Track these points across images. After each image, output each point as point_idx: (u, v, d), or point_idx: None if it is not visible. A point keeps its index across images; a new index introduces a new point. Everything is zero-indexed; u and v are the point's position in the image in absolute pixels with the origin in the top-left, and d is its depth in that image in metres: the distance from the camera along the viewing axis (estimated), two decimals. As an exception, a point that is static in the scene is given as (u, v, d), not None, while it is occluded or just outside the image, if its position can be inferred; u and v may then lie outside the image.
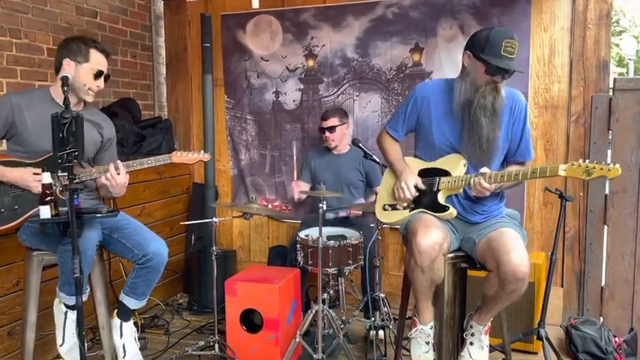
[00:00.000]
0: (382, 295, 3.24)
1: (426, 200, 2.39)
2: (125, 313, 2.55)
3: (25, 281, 2.44)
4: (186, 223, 3.66)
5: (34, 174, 2.33)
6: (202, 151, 2.63)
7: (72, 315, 2.43)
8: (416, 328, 2.38)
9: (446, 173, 2.35)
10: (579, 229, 3.49)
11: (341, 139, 3.67)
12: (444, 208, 2.33)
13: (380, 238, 3.29)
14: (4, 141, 2.50)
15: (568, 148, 3.49)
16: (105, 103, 3.88)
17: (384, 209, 2.52)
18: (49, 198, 2.14)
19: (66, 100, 2.01)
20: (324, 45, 3.99)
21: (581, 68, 3.42)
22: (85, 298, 2.31)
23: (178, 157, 2.53)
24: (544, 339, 2.80)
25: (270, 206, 4.21)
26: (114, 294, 3.26)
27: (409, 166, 2.45)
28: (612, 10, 3.40)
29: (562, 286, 3.54)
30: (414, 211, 2.41)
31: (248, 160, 4.32)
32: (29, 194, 2.34)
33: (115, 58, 4.01)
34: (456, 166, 2.33)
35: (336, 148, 3.69)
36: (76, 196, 1.98)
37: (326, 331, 3.23)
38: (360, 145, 3.30)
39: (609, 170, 2.00)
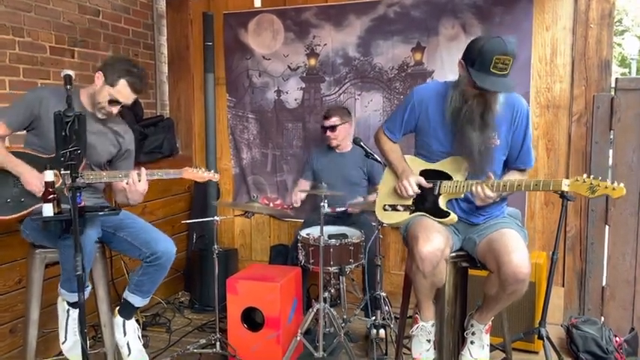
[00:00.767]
0: (383, 293, 3.24)
1: (426, 204, 2.37)
2: (128, 311, 2.56)
3: (28, 279, 2.45)
4: (188, 221, 3.66)
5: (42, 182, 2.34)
6: (212, 171, 2.64)
7: (74, 312, 2.44)
8: (417, 325, 2.38)
9: (447, 176, 2.34)
10: (580, 229, 3.49)
11: (343, 137, 3.68)
12: (445, 214, 2.32)
13: (381, 236, 3.30)
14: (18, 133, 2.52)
15: (569, 147, 3.49)
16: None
17: (384, 209, 2.51)
18: (51, 196, 2.15)
19: (68, 99, 2.02)
20: (325, 44, 3.99)
21: (583, 68, 3.42)
22: (86, 295, 2.33)
23: (188, 173, 2.56)
24: (545, 338, 2.79)
25: (271, 205, 4.20)
26: (116, 292, 3.28)
27: (409, 166, 2.45)
28: (614, 9, 3.40)
29: (563, 286, 3.54)
30: (415, 214, 2.40)
31: (250, 159, 4.32)
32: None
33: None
34: (458, 169, 2.31)
35: (338, 146, 3.70)
36: (78, 195, 1.99)
37: (327, 329, 3.23)
38: (362, 144, 3.30)
39: (614, 190, 1.99)
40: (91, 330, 3.23)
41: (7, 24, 3.12)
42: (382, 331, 3.18)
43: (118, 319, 2.55)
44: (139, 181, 2.42)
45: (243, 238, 4.46)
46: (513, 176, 2.33)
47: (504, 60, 2.05)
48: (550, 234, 3.56)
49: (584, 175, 2.06)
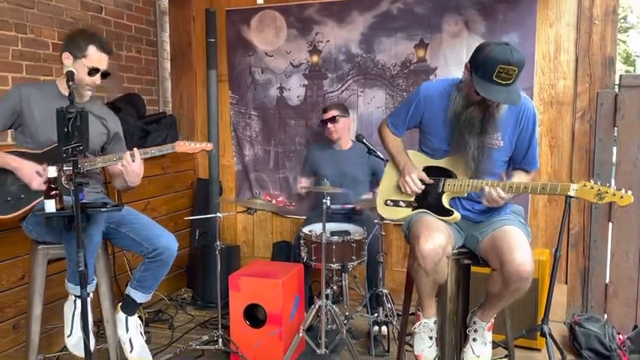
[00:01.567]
0: (385, 290, 3.24)
1: (429, 201, 2.36)
2: (131, 307, 2.56)
3: (31, 275, 2.45)
4: (191, 218, 3.67)
5: (36, 172, 2.34)
6: (205, 141, 2.63)
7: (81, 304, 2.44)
8: (419, 322, 2.38)
9: (450, 174, 2.33)
10: (584, 226, 3.48)
11: (343, 131, 3.67)
12: (449, 212, 2.32)
13: (384, 233, 3.29)
14: (9, 131, 2.52)
15: (573, 144, 3.48)
16: (109, 98, 3.89)
17: (386, 204, 2.50)
18: (53, 192, 2.15)
19: (71, 95, 2.02)
20: (328, 40, 3.98)
21: (587, 64, 3.40)
22: (92, 288, 2.33)
23: (181, 146, 2.54)
24: (547, 336, 2.78)
25: (274, 202, 4.22)
26: (118, 288, 3.29)
27: (412, 161, 2.44)
28: (619, 6, 3.38)
29: (566, 283, 3.53)
30: (417, 211, 2.39)
31: (252, 156, 4.32)
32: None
33: (120, 54, 4.02)
34: (462, 167, 2.30)
35: (338, 141, 3.69)
36: (81, 191, 1.98)
37: (329, 326, 3.23)
38: (364, 140, 3.29)
39: (622, 197, 1.99)
40: (93, 326, 3.23)
41: (10, 20, 3.12)
42: (384, 328, 3.19)
43: (121, 315, 2.56)
44: (133, 161, 2.41)
45: (246, 235, 4.46)
46: (519, 177, 2.32)
47: (508, 70, 2.00)
48: (553, 231, 3.55)
49: (592, 181, 2.05)
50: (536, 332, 2.92)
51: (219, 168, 4.13)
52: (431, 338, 2.36)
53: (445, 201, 2.33)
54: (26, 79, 3.21)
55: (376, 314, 3.18)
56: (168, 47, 4.53)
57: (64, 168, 2.32)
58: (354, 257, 3.17)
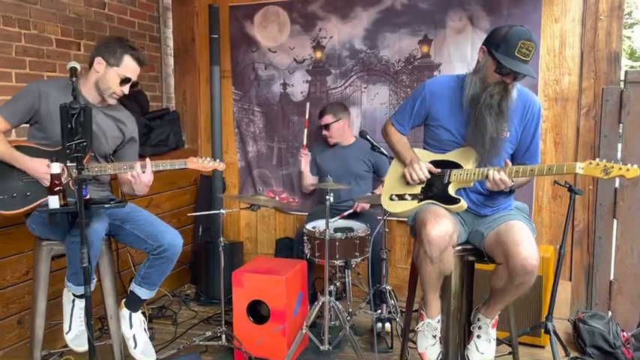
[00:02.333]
0: (389, 287, 3.24)
1: (435, 192, 2.36)
2: (135, 304, 2.57)
3: (35, 271, 2.46)
4: (194, 214, 3.67)
5: (48, 166, 2.34)
6: (218, 160, 2.62)
7: (79, 303, 2.45)
8: (423, 322, 2.37)
9: (457, 166, 2.33)
10: (588, 223, 3.46)
11: (340, 134, 3.67)
12: (455, 201, 2.31)
13: (387, 230, 3.29)
14: (22, 126, 2.52)
15: (578, 141, 3.46)
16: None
17: (391, 199, 2.49)
18: (57, 188, 2.15)
19: (74, 91, 2.01)
20: (332, 36, 3.97)
21: (592, 60, 3.38)
22: (92, 287, 2.33)
23: (194, 163, 2.53)
24: (552, 333, 2.79)
25: (277, 198, 4.22)
26: (122, 284, 3.29)
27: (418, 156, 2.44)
28: (624, 1, 3.35)
29: (570, 280, 3.52)
30: (423, 202, 2.39)
31: (255, 152, 4.32)
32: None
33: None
34: (467, 159, 2.31)
35: (336, 144, 3.69)
36: (84, 187, 1.99)
37: (332, 322, 3.24)
38: (368, 137, 3.29)
39: (628, 170, 1.99)
40: (97, 322, 3.25)
41: (14, 16, 3.12)
42: (388, 325, 3.18)
43: (125, 312, 2.56)
44: (144, 172, 2.41)
45: (249, 231, 4.46)
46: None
47: (529, 46, 2.12)
48: (557, 228, 3.54)
49: (597, 159, 2.06)
50: (541, 329, 2.92)
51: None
52: (434, 337, 2.36)
53: (451, 191, 2.33)
54: (29, 75, 3.21)
55: (379, 311, 3.18)
56: (171, 43, 4.53)
57: (68, 164, 2.33)
58: (357, 254, 3.17)
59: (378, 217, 3.38)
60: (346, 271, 3.35)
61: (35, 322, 2.45)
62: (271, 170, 4.28)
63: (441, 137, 2.39)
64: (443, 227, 2.14)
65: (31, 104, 2.39)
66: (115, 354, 2.56)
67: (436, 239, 2.13)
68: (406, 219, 2.51)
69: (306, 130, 3.76)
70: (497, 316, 2.36)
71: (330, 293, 3.00)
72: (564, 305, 3.40)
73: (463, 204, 2.30)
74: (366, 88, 3.92)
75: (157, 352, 2.77)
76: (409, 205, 2.43)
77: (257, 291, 2.99)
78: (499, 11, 3.51)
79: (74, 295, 2.44)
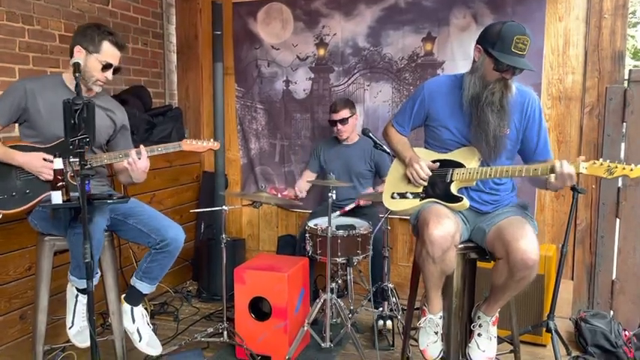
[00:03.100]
0: (390, 285, 3.24)
1: (437, 190, 2.36)
2: (135, 298, 2.57)
3: (37, 266, 2.46)
4: (196, 210, 3.67)
5: (44, 159, 2.34)
6: (212, 140, 2.62)
7: (82, 298, 2.45)
8: (425, 318, 2.37)
9: (459, 165, 2.33)
10: (591, 222, 3.46)
11: (352, 130, 3.67)
12: (457, 199, 2.31)
13: (389, 228, 3.29)
14: (16, 126, 2.52)
15: (581, 139, 3.46)
16: (116, 90, 3.89)
17: (393, 197, 2.49)
18: (60, 183, 2.15)
19: (77, 87, 2.01)
20: (335, 34, 3.96)
21: (596, 59, 3.37)
22: (95, 281, 2.34)
23: (188, 145, 2.53)
24: (553, 331, 2.78)
25: (279, 195, 4.20)
26: (124, 280, 3.30)
27: (420, 156, 2.43)
28: (628, 0, 3.34)
29: (572, 279, 3.51)
30: (425, 201, 2.38)
31: (258, 150, 4.32)
32: (41, 178, 2.36)
33: (126, 46, 4.01)
34: (470, 158, 2.30)
35: (347, 139, 3.69)
36: (87, 182, 1.99)
37: (334, 320, 3.24)
38: (371, 134, 3.28)
39: (632, 170, 1.99)
40: (99, 318, 3.25)
41: (17, 12, 3.12)
42: (389, 323, 3.18)
43: (126, 307, 2.56)
44: (139, 159, 2.41)
45: (251, 229, 4.47)
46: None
47: (524, 40, 2.12)
48: (560, 227, 3.53)
49: (601, 159, 2.05)
50: (542, 328, 2.92)
51: (224, 161, 4.13)
52: (436, 333, 2.36)
53: (454, 189, 2.33)
54: (33, 71, 3.22)
55: (381, 308, 3.18)
56: (174, 40, 4.53)
57: (71, 160, 2.33)
58: (359, 251, 3.17)
59: (380, 215, 3.37)
60: (348, 268, 3.35)
61: (37, 317, 2.46)
62: (273, 167, 4.28)
63: (442, 137, 2.39)
64: (445, 227, 2.14)
65: (17, 103, 2.37)
66: (117, 350, 2.57)
67: (438, 240, 2.12)
68: (408, 217, 2.51)
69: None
70: (497, 314, 2.36)
71: (331, 291, 3.00)
72: (566, 304, 3.40)
73: (465, 202, 2.30)
74: (369, 85, 3.92)
75: (162, 347, 2.77)
76: (411, 204, 2.43)
77: (259, 288, 2.99)
78: (503, 9, 3.50)
79: (77, 289, 2.44)
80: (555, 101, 3.51)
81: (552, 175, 2.13)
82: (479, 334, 2.36)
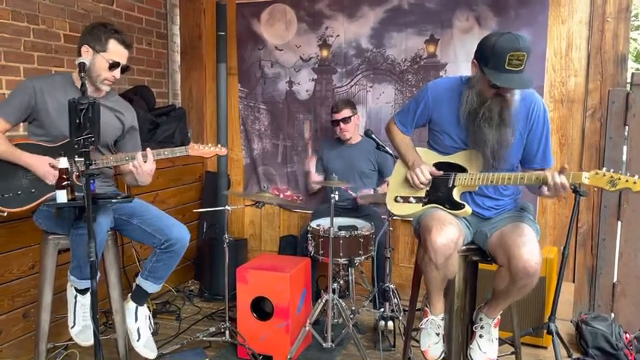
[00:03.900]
0: (392, 286, 3.25)
1: (440, 196, 2.35)
2: (141, 297, 2.58)
3: (41, 264, 2.48)
4: (199, 210, 3.68)
5: (50, 165, 2.35)
6: (219, 145, 2.61)
7: (81, 299, 2.46)
8: (427, 319, 2.38)
9: (461, 169, 2.32)
10: (592, 225, 3.46)
11: (354, 129, 3.68)
12: (459, 206, 2.31)
13: (391, 229, 3.29)
14: (23, 124, 2.53)
15: (583, 142, 3.46)
16: (120, 90, 3.91)
17: (396, 201, 2.49)
18: (65, 183, 2.17)
19: (83, 86, 2.03)
20: (338, 35, 3.97)
21: (599, 62, 3.38)
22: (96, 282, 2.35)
23: (195, 149, 2.53)
24: (554, 333, 2.78)
25: (281, 196, 4.23)
26: (127, 279, 3.31)
27: (422, 158, 2.43)
28: (632, 3, 3.35)
29: (573, 282, 3.52)
30: (427, 206, 2.38)
31: (260, 150, 4.33)
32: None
33: (133, 45, 4.03)
34: (472, 162, 2.29)
35: (350, 139, 3.70)
36: (92, 182, 2.00)
37: (335, 320, 3.25)
38: (373, 136, 3.29)
39: (635, 183, 1.96)
40: (102, 316, 3.27)
41: (22, 11, 3.14)
42: (390, 323, 3.19)
43: (131, 305, 2.58)
44: (145, 162, 2.42)
45: (253, 229, 4.48)
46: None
47: (518, 56, 2.01)
48: (561, 229, 3.54)
49: (604, 169, 2.03)
50: (543, 330, 2.92)
51: (227, 161, 4.15)
52: (438, 334, 2.36)
53: (456, 195, 2.32)
54: (38, 70, 3.23)
55: (382, 309, 3.19)
56: (178, 40, 4.54)
57: (76, 159, 2.34)
58: (361, 252, 3.18)
59: (383, 217, 3.38)
60: (350, 269, 3.35)
61: (41, 315, 2.47)
62: (276, 168, 4.29)
63: (444, 142, 2.37)
64: (448, 234, 2.13)
65: (27, 101, 2.38)
66: (120, 348, 2.58)
67: (441, 247, 2.12)
68: (411, 219, 2.51)
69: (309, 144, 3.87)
70: (499, 316, 2.36)
71: (333, 291, 3.01)
72: (567, 306, 3.40)
73: (468, 209, 2.29)
74: (371, 87, 3.93)
75: (160, 347, 2.79)
76: (413, 209, 2.42)
77: (261, 287, 3.00)
78: (506, 12, 3.51)
79: (76, 289, 2.45)
80: (558, 104, 3.52)
81: (545, 187, 2.11)
82: (480, 336, 2.36)
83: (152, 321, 2.67)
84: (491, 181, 2.21)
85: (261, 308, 3.07)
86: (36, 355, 2.49)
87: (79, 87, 2.41)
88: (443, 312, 2.37)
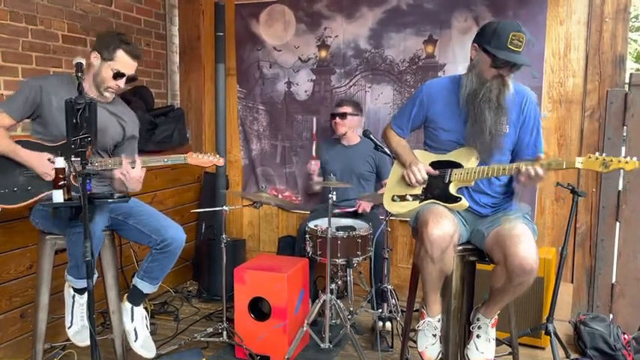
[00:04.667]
0: (390, 286, 3.24)
1: (436, 191, 2.37)
2: (137, 298, 2.58)
3: (38, 264, 2.48)
4: (197, 210, 3.68)
5: (48, 160, 2.35)
6: (217, 155, 2.63)
7: (79, 299, 2.46)
8: (423, 321, 2.38)
9: (457, 166, 2.34)
10: (591, 225, 3.46)
11: (350, 128, 3.67)
12: (456, 199, 2.32)
13: (389, 230, 3.29)
14: (25, 121, 2.54)
15: (582, 143, 3.46)
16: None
17: (393, 200, 2.50)
18: (62, 182, 2.16)
19: (80, 86, 2.03)
20: (337, 36, 3.97)
21: (597, 62, 3.38)
22: (93, 282, 2.35)
23: (194, 158, 2.55)
24: (552, 334, 2.79)
25: (280, 196, 4.23)
26: (125, 280, 3.31)
27: (419, 159, 2.44)
28: (630, 4, 3.35)
29: (572, 282, 3.52)
30: (424, 202, 2.39)
31: (259, 150, 4.33)
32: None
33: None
34: (468, 158, 2.32)
35: (344, 136, 3.69)
36: (88, 181, 2.00)
37: (333, 321, 3.25)
38: (371, 136, 3.29)
39: (627, 163, 1.99)
40: (99, 317, 3.27)
41: (20, 12, 3.14)
42: (388, 324, 3.19)
43: (127, 305, 2.58)
44: (133, 168, 2.41)
45: (252, 229, 4.48)
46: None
47: (519, 37, 2.14)
48: (560, 230, 3.53)
49: (597, 153, 2.06)
50: (541, 330, 2.92)
51: (226, 162, 4.15)
52: (434, 336, 2.36)
53: (452, 190, 2.34)
54: (36, 71, 3.23)
55: (380, 310, 3.19)
56: (177, 41, 4.54)
57: (72, 159, 2.34)
58: (359, 253, 3.18)
59: (381, 217, 3.38)
60: (348, 269, 3.35)
61: (38, 315, 2.47)
62: (274, 168, 4.29)
63: (441, 138, 2.40)
64: (444, 227, 2.15)
65: (32, 98, 2.40)
66: (117, 348, 2.58)
67: (437, 239, 2.13)
68: (408, 219, 2.52)
69: (315, 143, 3.83)
70: (496, 316, 2.36)
71: (331, 291, 3.01)
72: (565, 307, 3.40)
73: (464, 202, 2.31)
74: (370, 87, 3.93)
75: (158, 347, 2.79)
76: (411, 206, 2.44)
77: (259, 288, 3.00)
78: (504, 12, 3.51)
79: (74, 289, 2.45)
80: (556, 104, 3.51)
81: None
82: (477, 336, 2.36)
83: (149, 321, 2.67)
84: (487, 174, 2.23)
85: (259, 309, 3.07)
86: (33, 356, 2.50)
87: (85, 88, 2.44)
88: (439, 314, 2.37)
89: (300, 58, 4.10)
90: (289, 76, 4.15)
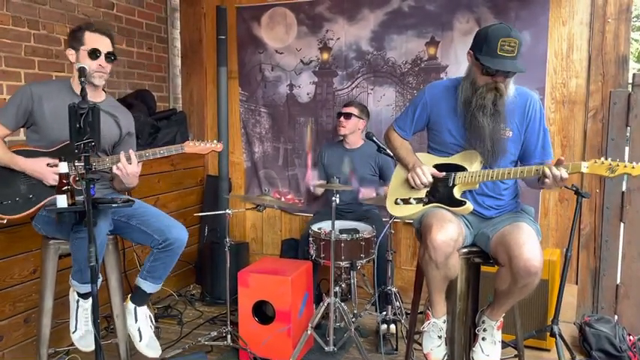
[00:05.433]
0: (394, 289, 3.24)
1: (440, 195, 2.36)
2: (140, 298, 2.58)
3: (42, 269, 2.47)
4: (200, 214, 3.67)
5: (48, 165, 2.35)
6: (215, 141, 2.61)
7: (84, 303, 2.46)
8: (429, 322, 2.37)
9: (461, 169, 2.33)
10: (595, 226, 3.45)
11: (352, 130, 3.67)
12: (460, 203, 2.31)
13: (393, 232, 3.29)
14: (22, 130, 2.54)
15: (585, 144, 3.45)
16: (120, 94, 3.91)
17: (396, 203, 2.49)
18: (65, 187, 2.16)
19: (83, 91, 2.03)
20: (338, 38, 3.97)
21: (600, 63, 3.37)
22: (97, 286, 2.34)
23: (191, 146, 2.52)
24: (557, 336, 2.77)
25: (283, 199, 4.22)
26: (128, 283, 3.30)
27: (422, 162, 2.43)
28: (632, 4, 3.34)
29: (576, 284, 3.50)
30: (428, 206, 2.38)
31: (261, 153, 4.33)
32: (44, 183, 2.38)
33: (131, 50, 4.04)
34: (472, 161, 2.30)
35: (345, 138, 3.69)
36: (92, 186, 2.00)
37: (337, 324, 3.24)
38: (374, 138, 3.29)
39: (633, 168, 1.98)
40: (103, 321, 3.26)
41: (23, 16, 3.15)
42: (392, 327, 3.18)
43: (130, 306, 2.57)
44: (130, 163, 2.40)
45: (255, 232, 4.47)
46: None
47: (510, 42, 2.10)
48: (564, 231, 3.52)
49: (602, 158, 2.04)
50: (546, 332, 2.91)
51: (228, 165, 4.14)
52: (440, 337, 2.35)
53: (457, 193, 2.32)
54: (38, 75, 3.24)
55: (385, 312, 3.18)
56: (178, 44, 4.55)
57: (75, 164, 2.34)
58: (362, 255, 3.17)
59: (384, 219, 3.37)
60: (351, 272, 3.35)
61: (42, 320, 2.46)
62: (277, 171, 4.29)
63: (444, 140, 2.39)
64: (448, 232, 2.13)
65: (24, 107, 2.39)
66: (121, 353, 2.57)
67: (441, 245, 2.12)
68: (412, 221, 2.51)
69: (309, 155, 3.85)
70: (502, 318, 2.35)
71: (335, 294, 3.01)
72: (570, 309, 3.39)
73: (469, 206, 2.30)
74: (372, 89, 3.93)
75: (162, 351, 2.77)
76: (414, 209, 2.43)
77: (262, 291, 2.99)
78: (506, 14, 3.51)
79: (78, 294, 2.45)
80: (559, 105, 3.51)
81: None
82: (483, 338, 2.35)
83: (153, 321, 2.66)
84: (492, 177, 2.22)
85: (263, 312, 3.07)
86: (37, 360, 2.49)
87: (78, 92, 2.42)
88: (445, 314, 2.36)
89: (302, 61, 4.10)
90: (291, 79, 4.15)
